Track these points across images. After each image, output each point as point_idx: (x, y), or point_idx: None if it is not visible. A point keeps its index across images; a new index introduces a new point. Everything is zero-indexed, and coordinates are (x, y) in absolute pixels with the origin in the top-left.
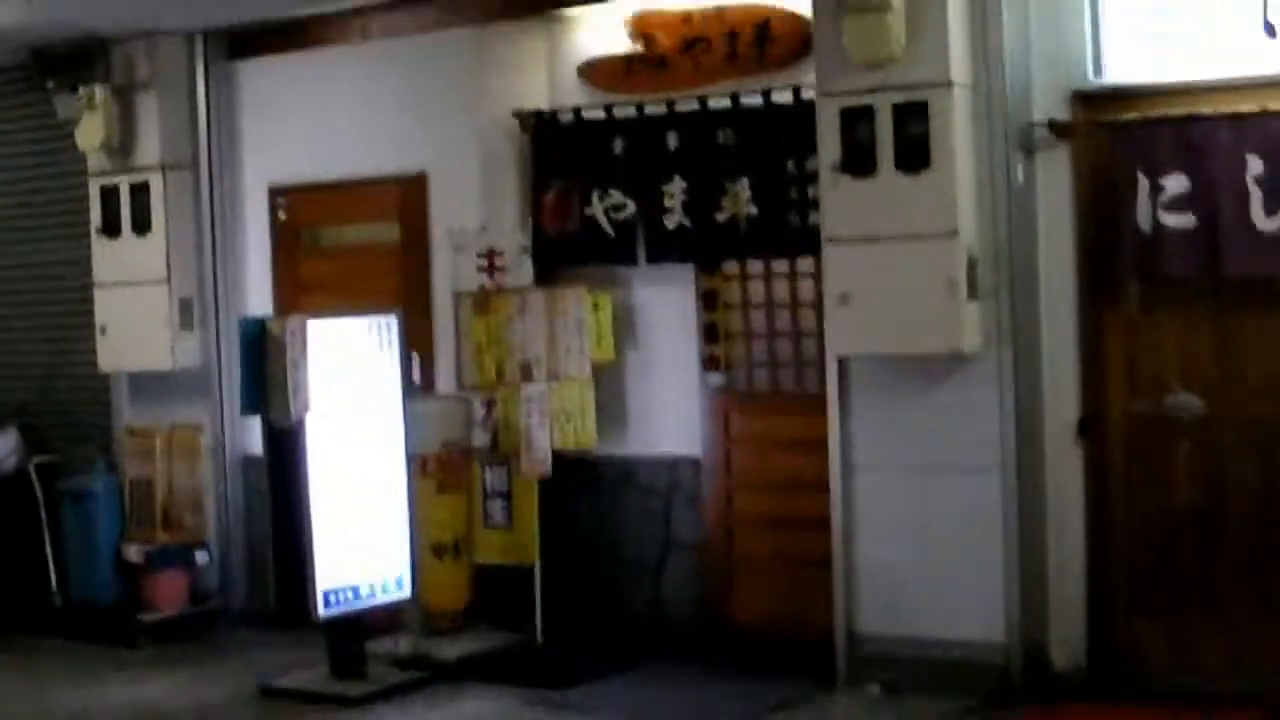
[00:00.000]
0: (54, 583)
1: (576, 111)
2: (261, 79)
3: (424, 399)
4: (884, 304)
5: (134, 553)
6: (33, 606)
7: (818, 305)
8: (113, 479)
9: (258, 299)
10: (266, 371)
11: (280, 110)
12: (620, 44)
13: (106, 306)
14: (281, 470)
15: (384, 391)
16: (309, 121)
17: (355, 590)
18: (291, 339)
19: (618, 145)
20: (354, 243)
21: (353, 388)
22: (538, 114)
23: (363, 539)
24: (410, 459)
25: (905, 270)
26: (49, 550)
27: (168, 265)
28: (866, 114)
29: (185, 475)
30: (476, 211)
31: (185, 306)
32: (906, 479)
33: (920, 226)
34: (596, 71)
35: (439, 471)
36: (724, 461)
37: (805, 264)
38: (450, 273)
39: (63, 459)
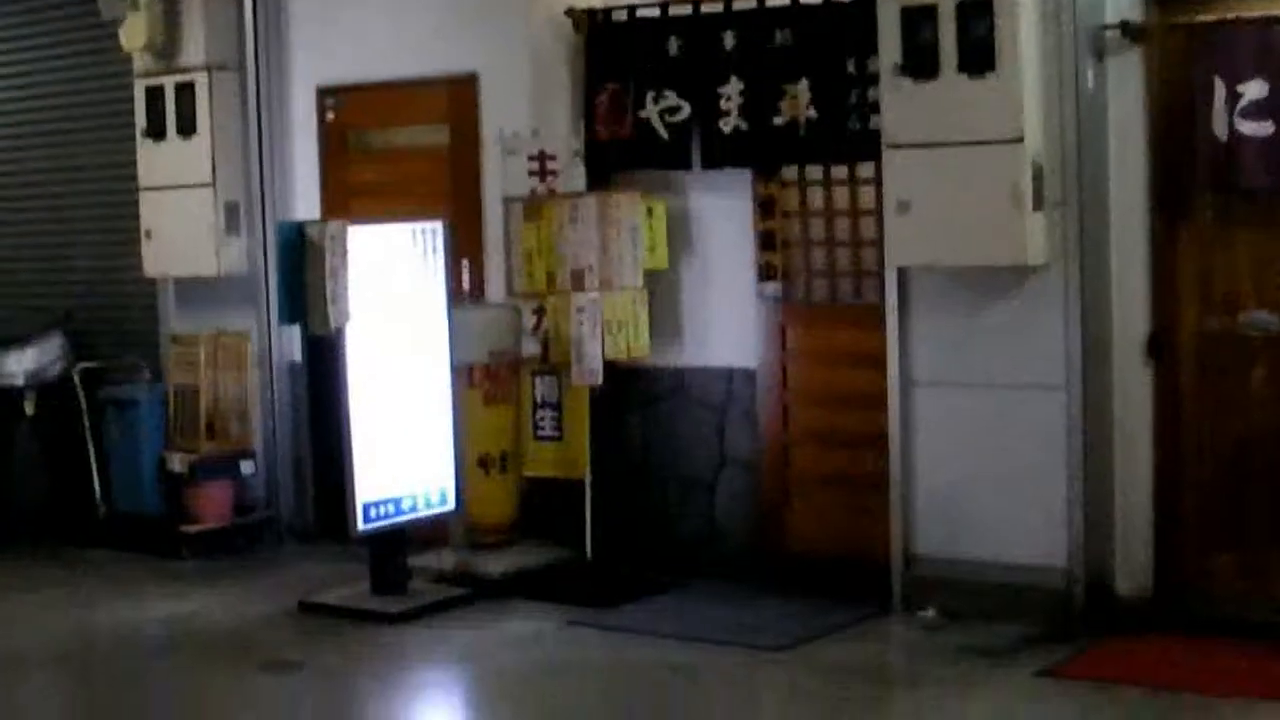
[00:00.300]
0: (98, 493)
1: (631, 10)
2: None
3: (471, 307)
4: (946, 213)
5: (178, 462)
6: (78, 517)
7: (878, 213)
8: (158, 387)
9: (305, 204)
10: (305, 279)
11: (328, 7)
12: None
13: (152, 211)
14: (320, 380)
15: (428, 300)
16: (357, 19)
17: (397, 504)
18: (331, 245)
19: (673, 45)
20: (403, 146)
21: (396, 296)
22: (591, 12)
23: (405, 451)
24: (456, 369)
25: (968, 178)
26: (93, 460)
27: (213, 168)
28: (929, 13)
29: (231, 384)
30: (528, 114)
31: (231, 211)
32: (967, 396)
33: (984, 132)
34: None
35: (486, 382)
36: (780, 375)
37: (865, 170)
38: (501, 177)
39: (108, 366)
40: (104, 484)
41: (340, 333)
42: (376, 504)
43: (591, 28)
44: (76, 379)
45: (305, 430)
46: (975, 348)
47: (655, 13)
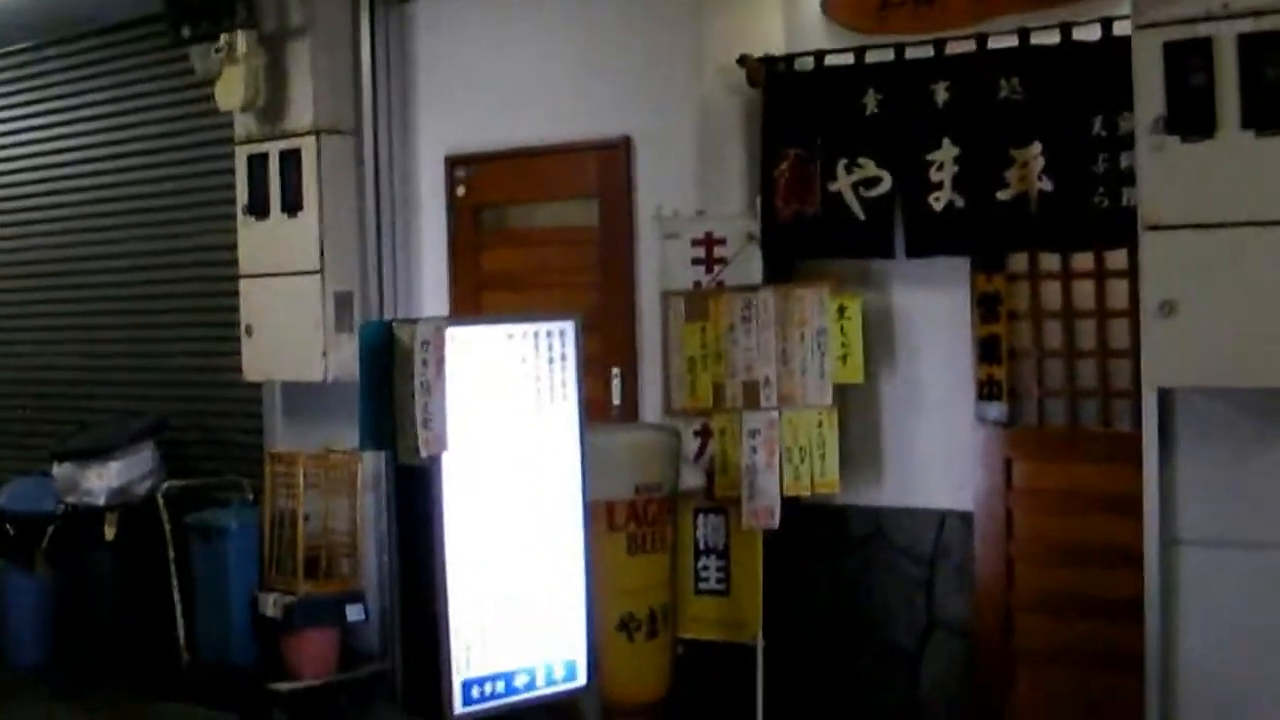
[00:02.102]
0: (182, 637)
1: (818, 58)
2: (439, 22)
3: (615, 429)
4: (1226, 315)
5: (271, 605)
6: (159, 664)
7: (1133, 315)
8: (251, 512)
9: (432, 295)
10: (394, 394)
11: (460, 61)
12: None
13: (253, 302)
14: (412, 522)
15: (555, 420)
16: (493, 74)
17: (508, 680)
18: (422, 351)
19: (871, 101)
20: (545, 226)
21: (511, 415)
22: (769, 61)
23: (521, 613)
24: (591, 508)
25: (1256, 268)
26: (177, 597)
27: (321, 252)
28: (1202, 50)
29: (339, 511)
30: (692, 188)
31: (342, 303)
32: (1251, 560)
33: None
34: (844, 6)
35: (631, 523)
36: (1004, 520)
37: (1117, 259)
38: (658, 266)
39: (204, 485)
40: (189, 626)
41: (435, 463)
42: (481, 681)
43: (770, 81)
44: (160, 500)
45: (395, 585)
46: (1263, 496)
47: (849, 59)
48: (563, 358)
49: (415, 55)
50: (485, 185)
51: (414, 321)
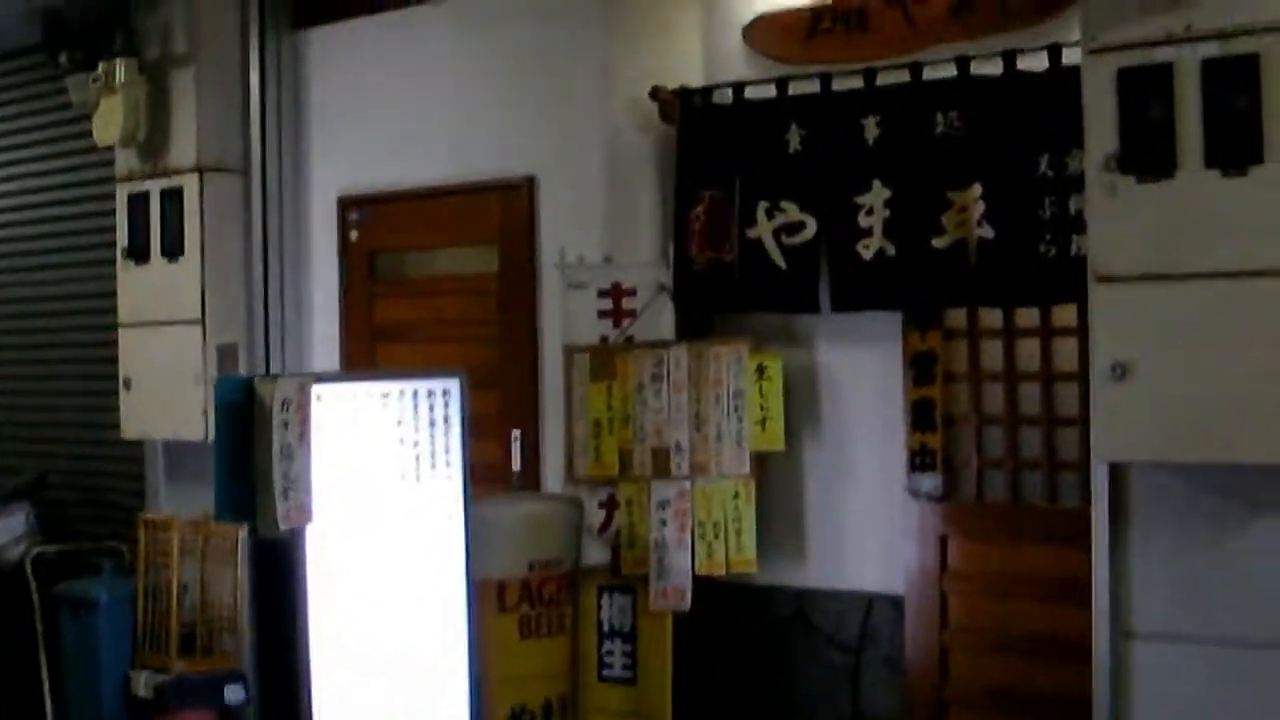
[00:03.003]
0: (49, 718)
1: (738, 89)
2: (332, 52)
3: (505, 500)
4: (1186, 380)
5: (143, 684)
6: None
7: (1081, 378)
8: (124, 583)
9: (324, 348)
10: (255, 458)
11: (355, 94)
12: None
13: (131, 353)
14: (271, 603)
15: (435, 490)
16: (390, 109)
17: None
18: (284, 412)
19: (794, 137)
20: (443, 273)
21: (386, 484)
22: (684, 94)
23: (396, 706)
24: (478, 587)
25: (1220, 326)
26: (45, 676)
27: (203, 300)
28: (1160, 78)
29: (220, 583)
30: (600, 233)
31: (226, 356)
32: (1211, 657)
33: (1249, 257)
34: (767, 32)
35: (524, 604)
36: (937, 605)
37: (1064, 315)
38: (562, 318)
39: (76, 551)
40: (57, 708)
41: (297, 537)
42: None
43: (685, 114)
44: (28, 567)
45: (254, 674)
46: (1226, 585)
47: (771, 92)
48: (445, 420)
49: (308, 87)
50: (380, 229)
51: (274, 378)
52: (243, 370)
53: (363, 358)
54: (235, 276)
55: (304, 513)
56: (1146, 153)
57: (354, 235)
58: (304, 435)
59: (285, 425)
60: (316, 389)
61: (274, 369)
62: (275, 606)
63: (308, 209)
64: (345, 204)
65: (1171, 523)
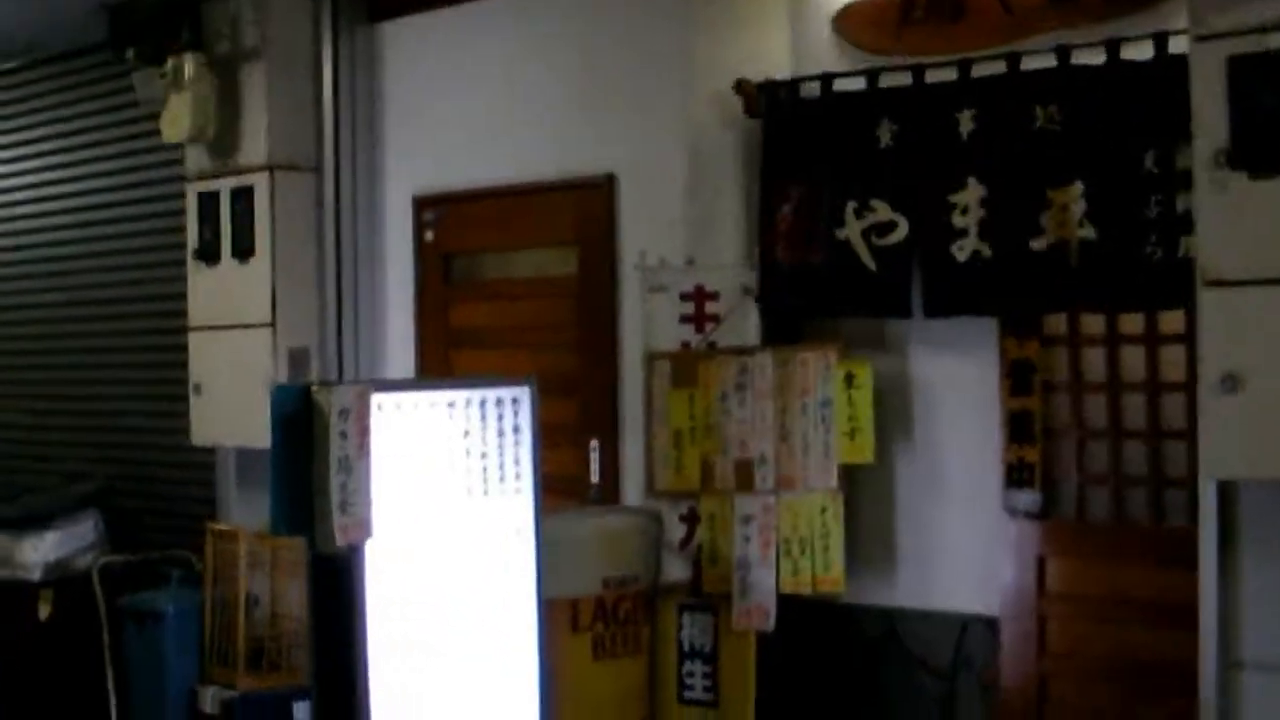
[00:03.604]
0: None
1: (826, 82)
2: (407, 47)
3: (579, 514)
4: None
5: (209, 700)
6: None
7: (1191, 390)
8: (192, 595)
9: (399, 353)
10: (313, 470)
11: (430, 90)
12: None
13: (202, 358)
14: (330, 622)
15: (504, 504)
16: (467, 106)
17: None
18: (342, 422)
19: (885, 132)
20: (520, 276)
21: (451, 498)
22: (770, 87)
23: None
24: (549, 606)
25: None
26: (111, 689)
27: (273, 302)
28: (1274, 65)
29: (289, 596)
30: (682, 233)
31: (298, 360)
32: None
33: None
34: (857, 22)
35: (598, 624)
36: (1035, 629)
37: (1173, 321)
38: (642, 323)
39: (142, 561)
40: None
41: (356, 554)
42: None
43: (770, 109)
44: (95, 577)
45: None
46: None
47: (861, 85)
48: (515, 430)
49: (381, 83)
50: (455, 230)
51: (332, 386)
52: (315, 375)
53: (438, 363)
54: (307, 278)
55: (363, 528)
56: (1260, 147)
57: (429, 236)
58: (363, 446)
59: (343, 436)
60: (376, 398)
61: (347, 374)
62: (334, 626)
63: (382, 209)
64: (420, 203)
65: None
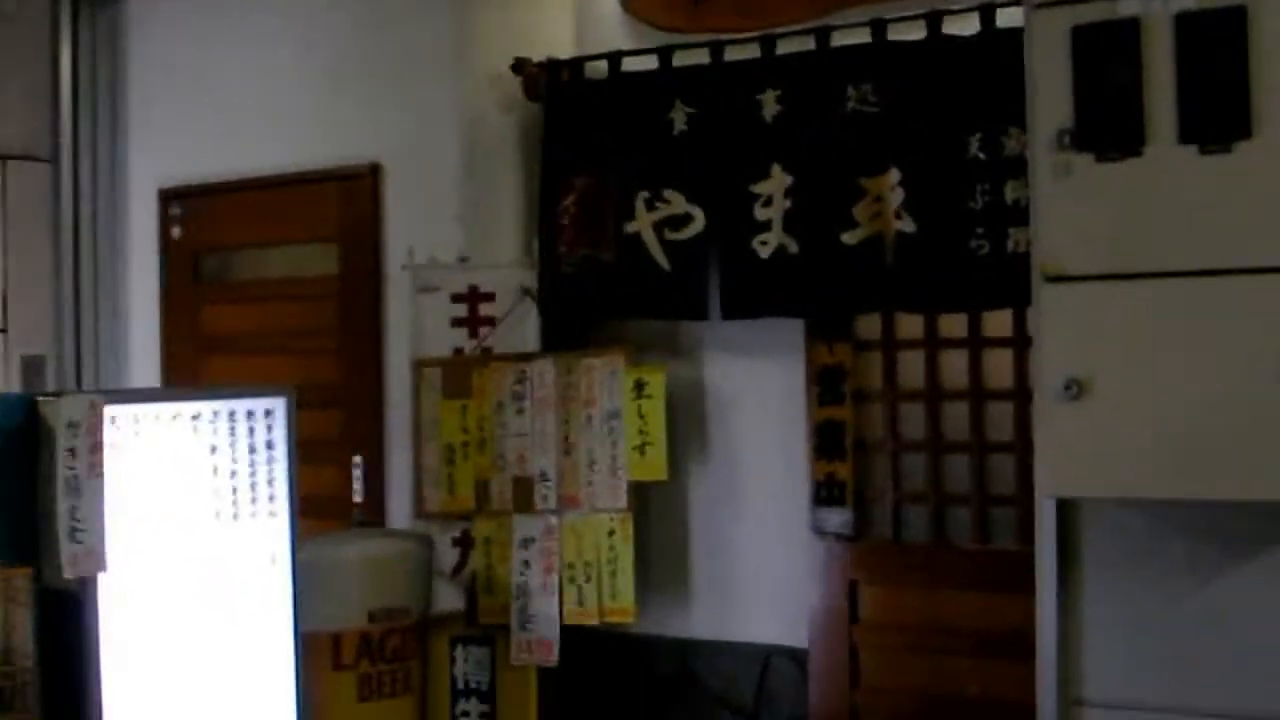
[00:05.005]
0: None
1: (614, 61)
2: (153, 26)
3: (342, 539)
4: (1152, 401)
5: None
6: None
7: (1020, 398)
8: None
9: (144, 359)
10: (37, 492)
11: (178, 73)
12: None
13: None
14: (59, 664)
15: (256, 528)
16: (218, 89)
17: None
18: (70, 437)
19: (679, 116)
20: (277, 276)
21: (196, 523)
22: (552, 67)
23: None
24: (308, 641)
25: (1202, 334)
26: None
27: (3, 306)
28: (1124, 35)
29: (20, 629)
30: (453, 229)
31: (32, 369)
32: None
33: (1233, 250)
34: None
35: (363, 661)
36: (846, 662)
37: (998, 322)
38: (410, 327)
39: None
40: None
41: (88, 587)
42: None
43: (553, 91)
44: None
45: None
46: (1198, 646)
47: (652, 63)
48: (269, 445)
49: (125, 66)
50: (205, 225)
51: (59, 396)
52: (51, 386)
53: (187, 372)
54: (43, 280)
55: (96, 558)
56: (1108, 126)
57: (176, 232)
58: (95, 465)
59: (72, 453)
60: (111, 410)
61: (87, 384)
62: (66, 666)
63: (125, 202)
64: (166, 196)
65: (1132, 570)
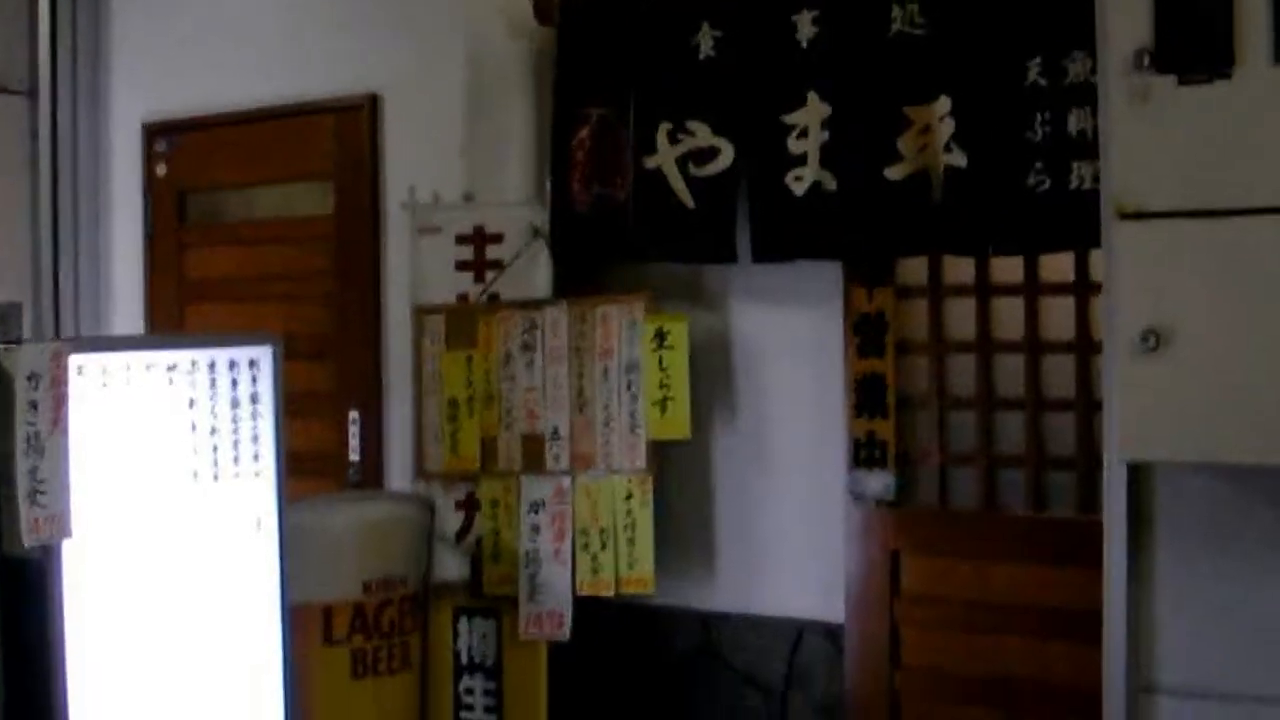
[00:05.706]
0: None
1: None
2: None
3: (334, 502)
4: (1241, 355)
5: None
6: None
7: (1082, 349)
8: None
9: (127, 307)
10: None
11: (160, 3)
12: None
13: None
14: (22, 639)
15: (239, 490)
16: (204, 16)
17: None
18: (32, 390)
19: (705, 39)
20: (268, 216)
21: (172, 484)
22: None
23: None
24: (297, 614)
25: None
26: None
27: None
28: None
29: None
30: (458, 165)
31: (6, 317)
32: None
33: None
34: None
35: (357, 635)
36: (887, 639)
37: (1060, 265)
38: (410, 271)
39: None
40: None
41: (52, 555)
42: None
43: (566, 13)
44: None
45: None
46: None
47: None
48: (254, 399)
49: None
50: (192, 162)
51: (19, 345)
52: (28, 335)
53: (172, 319)
54: (19, 221)
55: (59, 523)
56: (1193, 44)
57: (161, 169)
58: (59, 421)
59: (33, 406)
60: (77, 360)
61: (66, 333)
62: (24, 646)
63: (107, 138)
64: (151, 131)
65: (1212, 543)
